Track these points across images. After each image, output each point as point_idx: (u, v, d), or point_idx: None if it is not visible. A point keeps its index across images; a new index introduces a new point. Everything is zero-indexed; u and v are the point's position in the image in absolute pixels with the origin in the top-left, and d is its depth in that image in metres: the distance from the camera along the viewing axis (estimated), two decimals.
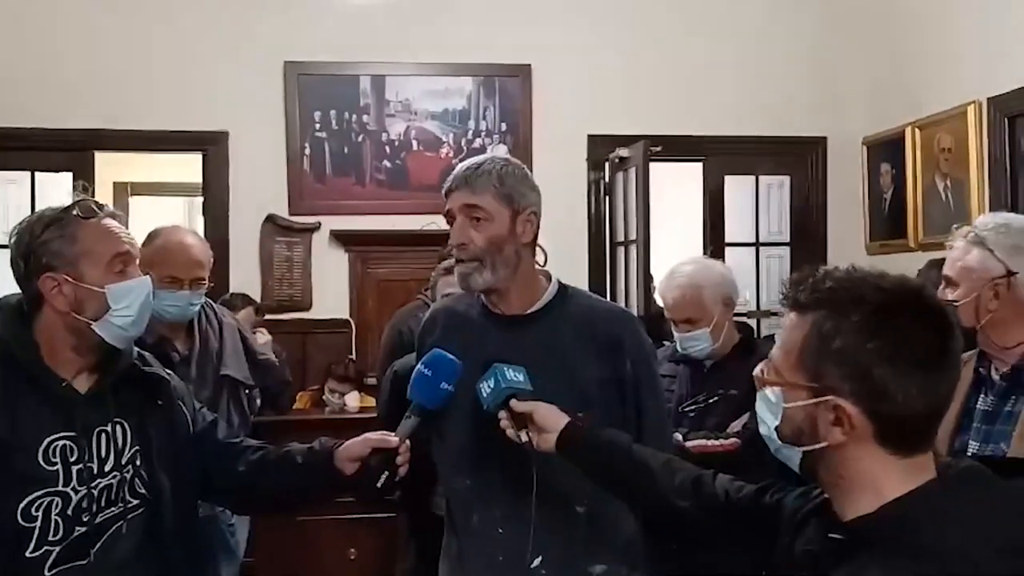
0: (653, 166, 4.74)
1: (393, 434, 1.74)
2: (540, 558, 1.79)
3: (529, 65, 4.93)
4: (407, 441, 1.74)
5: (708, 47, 5.04)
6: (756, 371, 1.25)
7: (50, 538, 1.57)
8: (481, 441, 1.82)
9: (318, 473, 1.77)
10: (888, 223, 4.78)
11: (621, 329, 1.90)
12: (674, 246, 5.21)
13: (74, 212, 1.65)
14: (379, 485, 1.72)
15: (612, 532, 1.86)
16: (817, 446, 1.16)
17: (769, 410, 1.22)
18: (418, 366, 1.78)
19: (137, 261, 1.73)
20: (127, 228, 1.72)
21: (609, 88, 4.96)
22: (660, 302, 2.95)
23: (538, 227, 1.91)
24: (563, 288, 1.95)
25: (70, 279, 1.62)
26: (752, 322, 5.32)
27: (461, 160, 1.98)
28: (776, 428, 1.21)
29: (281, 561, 3.98)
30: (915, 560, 1.06)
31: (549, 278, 1.96)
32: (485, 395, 1.69)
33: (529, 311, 1.89)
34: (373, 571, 4.03)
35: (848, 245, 5.01)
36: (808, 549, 1.22)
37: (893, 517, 1.11)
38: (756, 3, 5.10)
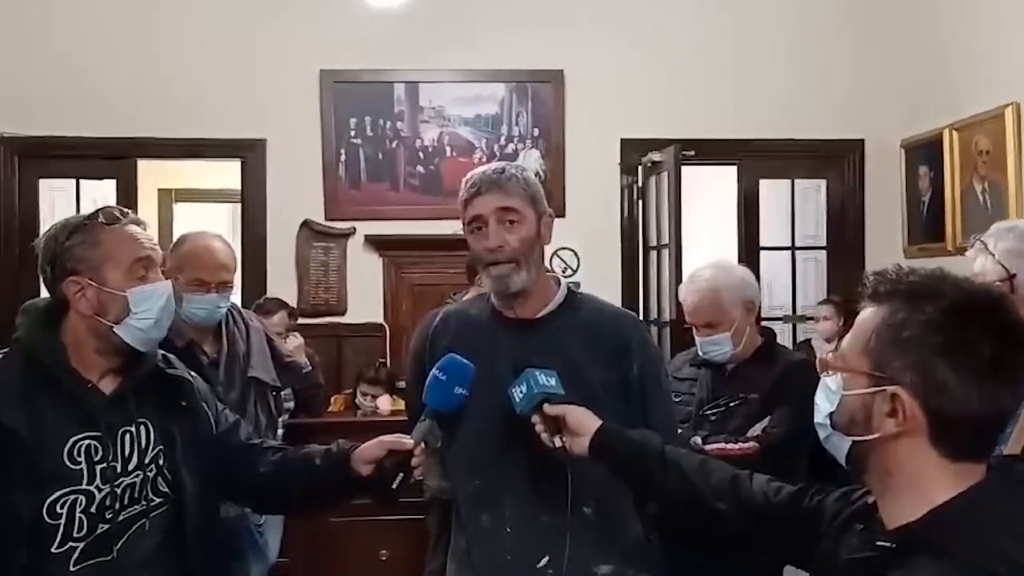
0: (688, 170, 4.75)
1: (408, 437, 1.77)
2: (547, 558, 1.80)
3: (562, 70, 4.95)
4: (422, 444, 1.77)
5: (742, 49, 5.03)
6: (822, 355, 1.25)
7: (74, 535, 1.62)
8: (490, 442, 1.85)
9: (335, 474, 1.80)
10: (926, 226, 4.70)
11: (627, 333, 1.92)
12: (709, 250, 5.20)
13: (98, 219, 1.70)
14: (394, 487, 1.74)
15: (619, 533, 1.87)
16: (868, 437, 1.16)
17: (827, 397, 1.21)
18: (433, 370, 1.80)
19: (159, 266, 1.77)
20: (150, 235, 1.77)
21: (642, 92, 4.96)
22: None
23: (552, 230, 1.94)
24: (572, 293, 1.97)
25: (93, 283, 1.67)
26: (788, 326, 5.30)
27: None
28: (831, 415, 1.21)
29: (313, 562, 4.04)
30: (964, 567, 1.06)
31: (558, 283, 1.98)
32: (518, 399, 1.71)
33: (538, 315, 1.91)
34: (404, 572, 4.06)
35: (886, 249, 4.93)
36: (854, 557, 1.21)
37: (941, 523, 1.10)
38: (791, 4, 5.07)
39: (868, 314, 1.20)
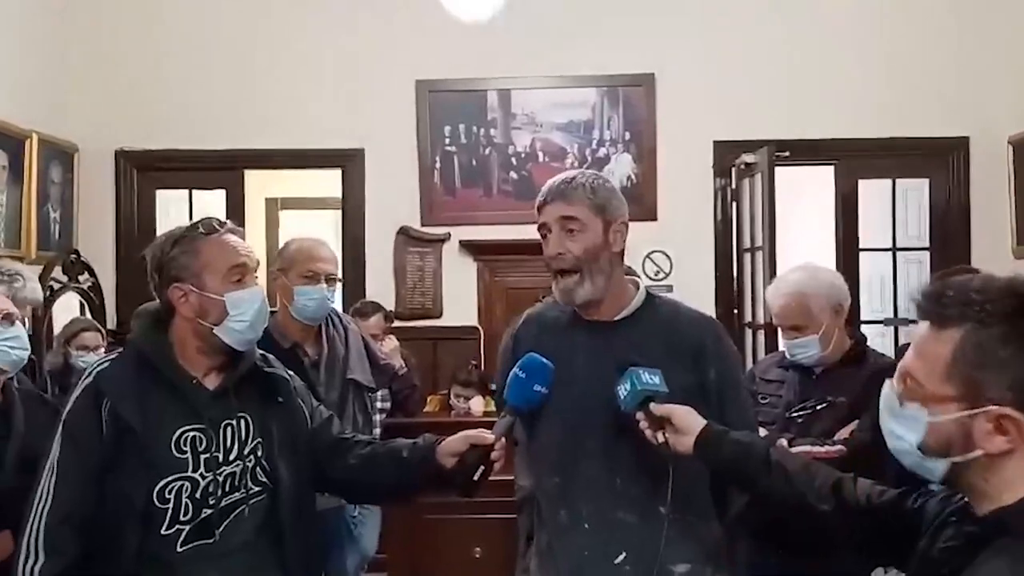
0: (784, 170, 4.68)
1: (490, 432, 1.84)
2: (624, 555, 1.85)
3: (652, 74, 4.96)
4: (502, 439, 1.84)
5: (838, 45, 4.93)
6: (887, 389, 1.25)
7: (181, 518, 1.76)
8: (569, 441, 1.90)
9: (420, 466, 1.89)
10: None
11: (704, 335, 1.93)
12: (806, 251, 5.10)
13: (198, 230, 1.85)
14: (475, 479, 1.82)
15: (696, 532, 1.89)
16: (971, 456, 1.16)
17: (909, 426, 1.21)
18: (513, 369, 1.87)
19: (256, 273, 1.91)
20: (247, 243, 1.91)
21: (734, 93, 4.92)
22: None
23: (626, 237, 1.96)
24: (650, 296, 1.99)
25: (194, 289, 1.82)
26: (889, 330, 5.15)
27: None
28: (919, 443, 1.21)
29: (409, 556, 4.14)
30: None
31: (637, 286, 2.00)
32: (622, 397, 1.75)
33: (616, 318, 1.95)
34: (497, 570, 4.12)
35: (993, 250, 4.76)
36: (946, 546, 1.23)
37: None
38: None
39: (936, 337, 1.19)
